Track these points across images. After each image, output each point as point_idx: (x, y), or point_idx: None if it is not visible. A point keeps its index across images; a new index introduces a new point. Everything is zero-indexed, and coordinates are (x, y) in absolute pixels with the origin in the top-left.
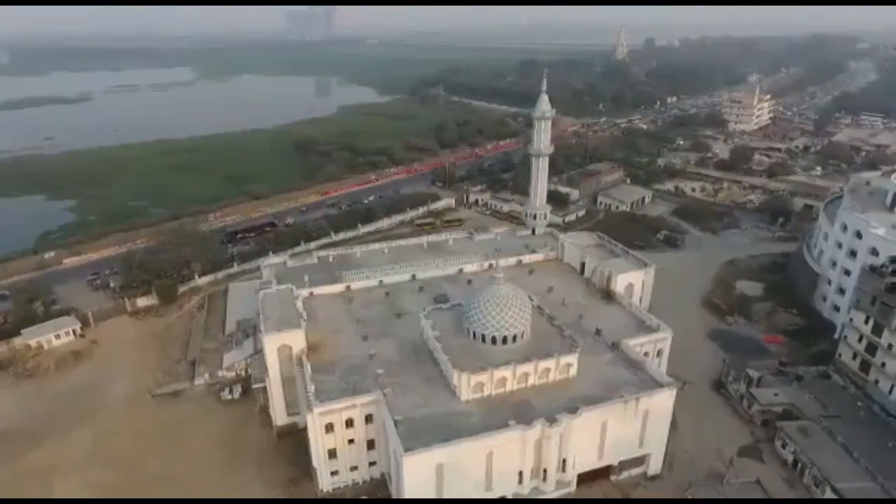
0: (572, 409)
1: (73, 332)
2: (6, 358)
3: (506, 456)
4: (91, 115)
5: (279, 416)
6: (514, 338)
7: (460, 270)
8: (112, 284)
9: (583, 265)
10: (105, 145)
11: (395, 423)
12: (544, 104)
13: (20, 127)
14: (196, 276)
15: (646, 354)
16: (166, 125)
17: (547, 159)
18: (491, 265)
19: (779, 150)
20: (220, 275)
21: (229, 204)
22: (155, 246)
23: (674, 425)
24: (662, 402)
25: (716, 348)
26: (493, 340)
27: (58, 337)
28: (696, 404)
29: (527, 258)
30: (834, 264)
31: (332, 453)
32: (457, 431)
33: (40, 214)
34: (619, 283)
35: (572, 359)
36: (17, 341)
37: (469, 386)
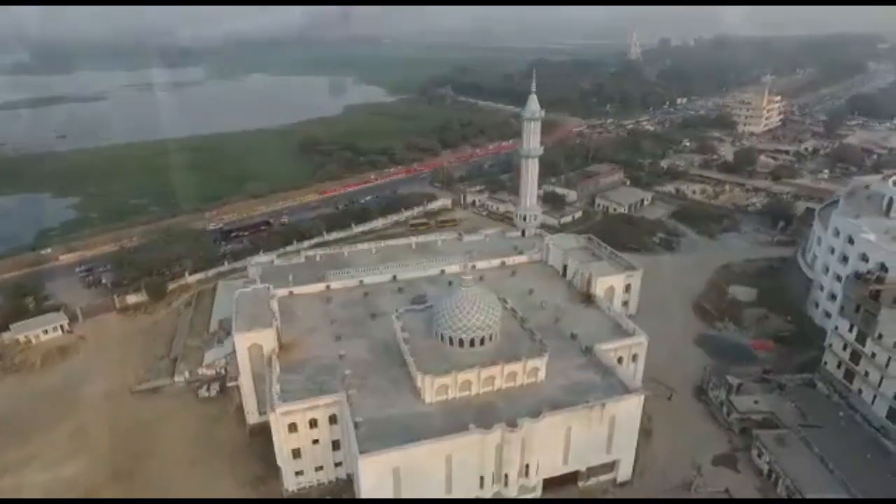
0: (535, 414)
1: (61, 327)
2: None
3: (465, 459)
4: (103, 113)
5: (251, 415)
6: (482, 340)
7: (442, 271)
8: (104, 281)
9: (565, 267)
10: (112, 144)
11: (356, 424)
12: (534, 105)
13: (34, 125)
14: (186, 274)
15: (620, 359)
16: (172, 124)
17: (537, 161)
18: (473, 266)
19: (787, 152)
20: (211, 273)
21: (228, 202)
22: (147, 243)
23: (650, 432)
24: (630, 408)
25: (702, 354)
26: (461, 343)
27: (45, 332)
28: (676, 411)
29: (510, 260)
30: (827, 270)
31: (297, 453)
32: (419, 434)
33: (44, 211)
34: (600, 287)
35: (540, 363)
36: (6, 336)
37: (433, 388)
